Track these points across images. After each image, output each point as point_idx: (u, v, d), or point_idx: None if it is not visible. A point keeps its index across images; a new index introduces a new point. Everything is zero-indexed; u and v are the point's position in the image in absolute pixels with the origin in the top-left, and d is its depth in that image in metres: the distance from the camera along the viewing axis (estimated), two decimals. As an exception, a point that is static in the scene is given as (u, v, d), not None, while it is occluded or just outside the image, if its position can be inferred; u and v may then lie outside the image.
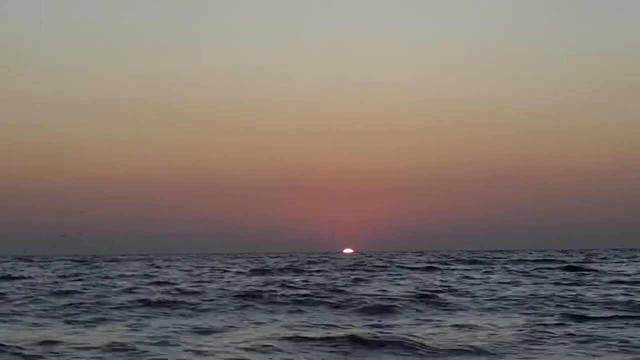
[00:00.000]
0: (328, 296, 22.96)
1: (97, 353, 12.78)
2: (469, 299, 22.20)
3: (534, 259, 64.27)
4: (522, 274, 36.60)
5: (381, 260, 67.41)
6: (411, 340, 13.58)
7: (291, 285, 28.73)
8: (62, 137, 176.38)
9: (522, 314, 18.15)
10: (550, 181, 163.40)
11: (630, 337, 13.99)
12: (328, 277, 35.13)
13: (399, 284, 29.24)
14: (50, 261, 79.13)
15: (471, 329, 15.42)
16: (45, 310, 20.06)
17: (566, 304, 19.97)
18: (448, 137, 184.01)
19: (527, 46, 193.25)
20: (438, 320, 17.11)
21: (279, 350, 12.99)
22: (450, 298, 22.26)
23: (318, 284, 29.09)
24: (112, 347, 13.15)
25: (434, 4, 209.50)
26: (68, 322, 17.41)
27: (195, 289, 27.18)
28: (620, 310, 18.33)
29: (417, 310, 19.36)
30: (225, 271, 44.47)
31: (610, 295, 22.71)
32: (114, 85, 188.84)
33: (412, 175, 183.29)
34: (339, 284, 29.05)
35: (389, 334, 14.45)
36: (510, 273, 37.34)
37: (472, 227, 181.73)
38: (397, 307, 19.81)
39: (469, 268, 45.79)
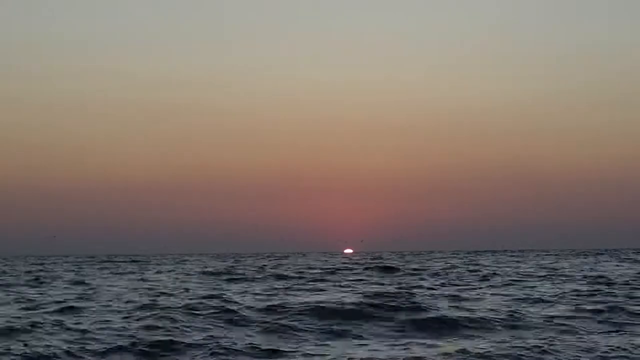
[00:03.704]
0: None
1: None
2: None
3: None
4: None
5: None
6: None
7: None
8: (62, 137, 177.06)
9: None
10: (551, 181, 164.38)
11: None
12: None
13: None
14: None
15: None
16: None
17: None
18: (448, 137, 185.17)
19: (527, 46, 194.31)
20: None
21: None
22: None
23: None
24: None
25: (434, 4, 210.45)
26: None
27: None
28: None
29: None
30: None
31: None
32: (114, 85, 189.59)
33: (412, 175, 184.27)
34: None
35: None
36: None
37: (473, 227, 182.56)
38: None
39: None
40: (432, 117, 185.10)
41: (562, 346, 13.79)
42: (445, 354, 13.09)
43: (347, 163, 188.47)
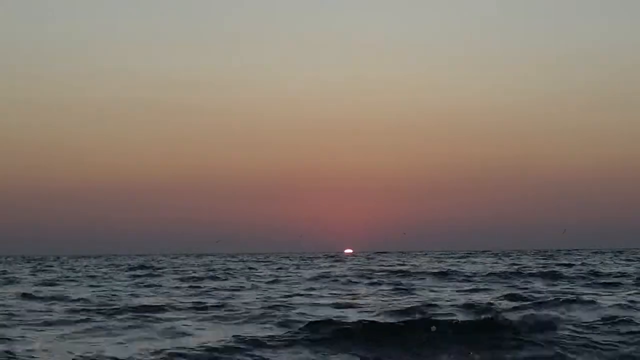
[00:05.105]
0: None
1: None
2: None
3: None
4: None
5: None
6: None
7: None
8: (62, 137, 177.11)
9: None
10: (551, 181, 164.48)
11: None
12: None
13: None
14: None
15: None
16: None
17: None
18: (448, 137, 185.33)
19: (527, 46, 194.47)
20: None
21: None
22: None
23: None
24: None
25: (435, 3, 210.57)
26: None
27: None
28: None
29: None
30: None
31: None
32: (115, 85, 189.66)
33: (412, 175, 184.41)
34: None
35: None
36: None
37: (473, 227, 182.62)
38: None
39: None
40: (432, 117, 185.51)
41: None
42: None
43: (347, 163, 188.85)
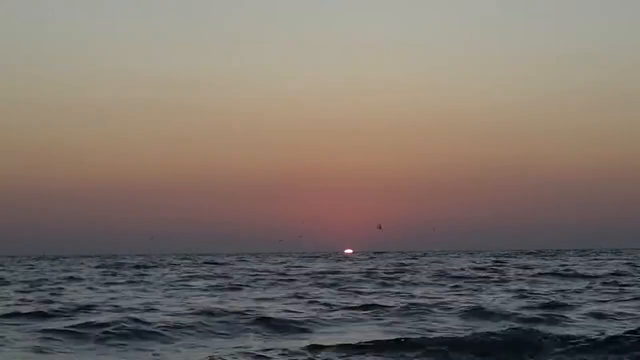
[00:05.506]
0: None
1: None
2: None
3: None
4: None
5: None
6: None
7: None
8: (62, 137, 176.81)
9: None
10: (551, 181, 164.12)
11: None
12: None
13: None
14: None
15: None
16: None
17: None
18: (448, 137, 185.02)
19: (527, 46, 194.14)
20: None
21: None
22: None
23: None
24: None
25: (435, 3, 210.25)
26: None
27: None
28: None
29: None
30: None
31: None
32: (115, 85, 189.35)
33: (412, 175, 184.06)
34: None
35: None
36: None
37: (473, 227, 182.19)
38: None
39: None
40: (432, 117, 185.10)
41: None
42: None
43: (347, 163, 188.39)
